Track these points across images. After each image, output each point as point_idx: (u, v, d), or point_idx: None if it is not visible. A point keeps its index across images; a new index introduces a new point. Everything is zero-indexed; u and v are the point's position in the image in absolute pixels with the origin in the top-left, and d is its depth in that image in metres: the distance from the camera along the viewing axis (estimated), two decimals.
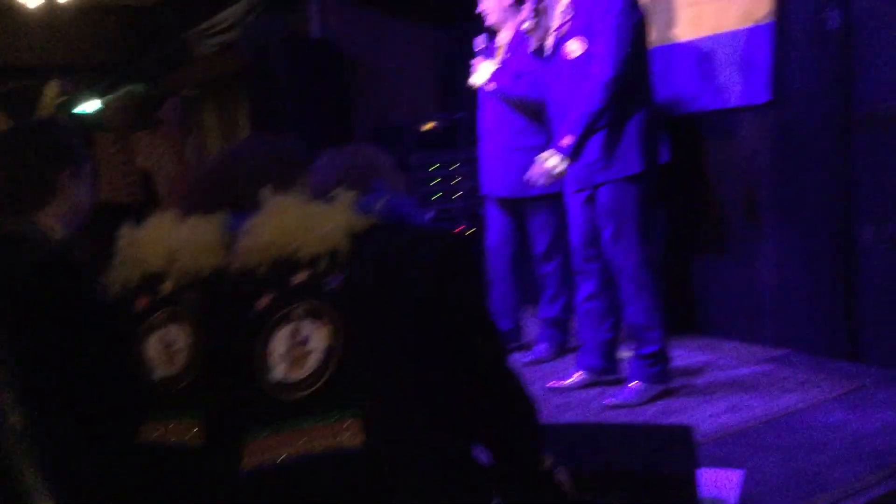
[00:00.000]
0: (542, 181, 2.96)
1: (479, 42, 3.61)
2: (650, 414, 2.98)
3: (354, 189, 1.40)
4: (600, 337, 3.25)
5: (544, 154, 2.96)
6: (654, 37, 3.94)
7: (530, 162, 3.30)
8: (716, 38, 3.73)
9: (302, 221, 1.33)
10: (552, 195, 3.52)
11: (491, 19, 3.62)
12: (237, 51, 5.76)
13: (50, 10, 8.10)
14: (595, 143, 2.96)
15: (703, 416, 2.90)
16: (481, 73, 3.59)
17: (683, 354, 3.67)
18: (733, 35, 3.64)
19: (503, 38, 3.64)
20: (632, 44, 2.88)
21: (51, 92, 7.50)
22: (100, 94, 9.44)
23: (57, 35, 8.80)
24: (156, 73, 8.32)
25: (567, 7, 3.02)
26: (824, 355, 3.46)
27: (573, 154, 2.92)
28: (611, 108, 2.89)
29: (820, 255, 3.45)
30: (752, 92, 3.58)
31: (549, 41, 3.11)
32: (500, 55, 3.61)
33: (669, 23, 3.93)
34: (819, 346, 3.51)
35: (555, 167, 2.92)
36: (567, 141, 2.91)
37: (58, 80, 5.39)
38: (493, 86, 3.59)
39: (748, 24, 3.58)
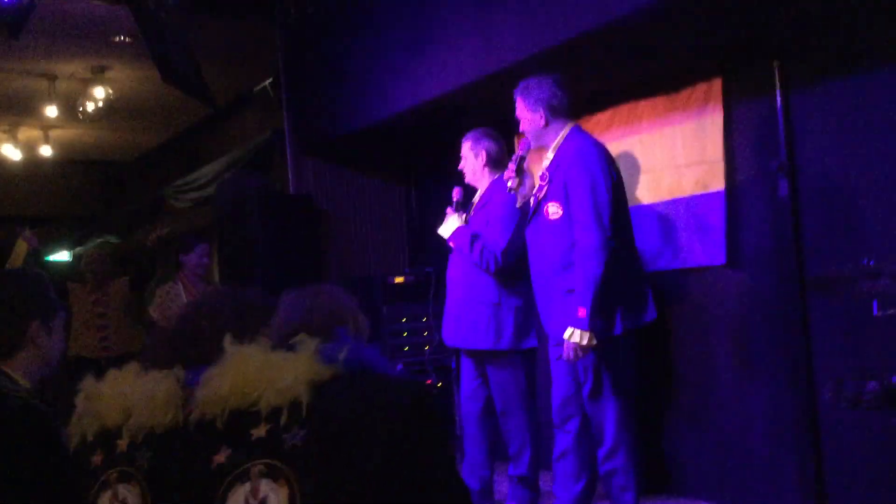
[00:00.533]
0: (573, 357, 2.95)
1: (456, 194, 3.71)
2: None
3: (318, 329, 1.39)
4: (574, 494, 3.17)
5: (567, 332, 2.96)
6: None
7: (481, 316, 3.33)
8: (673, 203, 3.90)
9: (262, 372, 1.30)
10: (500, 352, 3.55)
11: (467, 178, 3.76)
12: (213, 204, 5.88)
13: (32, 163, 8.31)
14: (573, 302, 2.98)
15: None
16: (448, 226, 3.68)
17: None
18: (690, 200, 3.81)
19: (478, 195, 3.76)
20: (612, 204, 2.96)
21: (22, 243, 7.53)
22: (74, 245, 9.52)
23: (38, 187, 8.97)
24: (130, 225, 8.43)
25: (545, 169, 3.14)
26: None
27: (591, 324, 2.91)
28: (608, 269, 2.91)
29: (785, 414, 3.46)
30: (709, 254, 3.71)
31: (531, 201, 3.21)
32: (470, 212, 3.73)
33: (629, 186, 4.11)
34: None
35: (579, 341, 2.91)
36: (582, 314, 2.91)
37: (29, 230, 5.40)
38: (451, 242, 3.67)
39: (703, 191, 3.76)
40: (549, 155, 3.14)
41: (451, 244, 3.69)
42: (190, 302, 1.66)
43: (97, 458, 1.42)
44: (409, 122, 4.74)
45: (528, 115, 3.17)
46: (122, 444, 1.40)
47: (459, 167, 3.78)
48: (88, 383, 1.52)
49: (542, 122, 3.13)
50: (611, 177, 3.02)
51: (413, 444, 1.27)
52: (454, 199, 3.72)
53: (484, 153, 3.68)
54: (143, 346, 1.62)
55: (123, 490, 1.37)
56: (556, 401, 3.19)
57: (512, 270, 3.49)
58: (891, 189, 3.15)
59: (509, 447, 3.72)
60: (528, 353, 3.62)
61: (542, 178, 3.15)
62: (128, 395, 1.43)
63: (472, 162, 3.72)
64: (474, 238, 3.56)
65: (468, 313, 3.61)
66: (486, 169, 3.70)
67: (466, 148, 3.73)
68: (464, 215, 3.70)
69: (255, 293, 1.67)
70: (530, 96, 3.17)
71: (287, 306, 1.58)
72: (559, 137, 3.11)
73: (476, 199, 3.77)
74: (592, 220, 2.92)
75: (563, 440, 3.18)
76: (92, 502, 1.39)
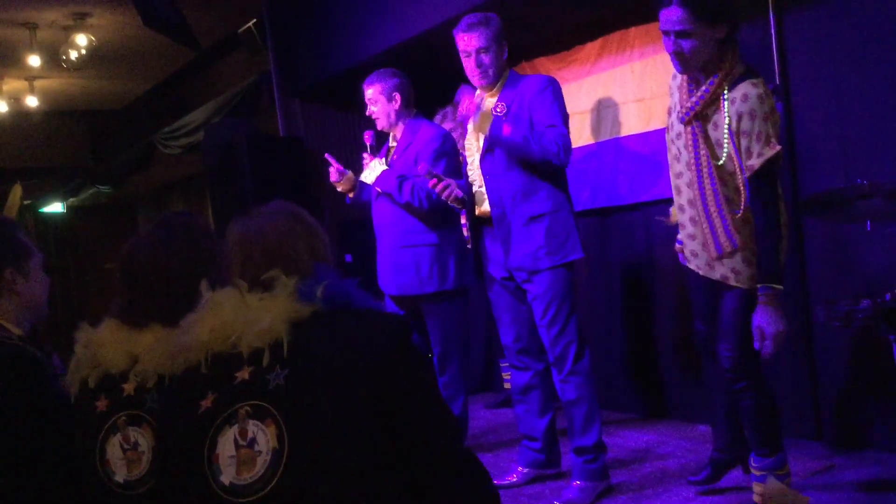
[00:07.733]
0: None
1: (368, 139, 3.53)
2: None
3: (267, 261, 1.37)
4: (540, 430, 3.19)
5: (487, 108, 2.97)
6: (603, 131, 4.08)
7: (423, 259, 3.29)
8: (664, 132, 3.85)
9: (240, 315, 1.30)
10: (445, 292, 3.41)
11: (381, 124, 3.54)
12: (202, 151, 5.82)
13: (18, 114, 8.20)
14: (539, 230, 2.97)
15: (677, 501, 2.87)
16: (371, 171, 3.50)
17: (654, 440, 3.66)
18: None
19: (395, 138, 3.57)
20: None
21: (16, 194, 7.46)
22: (67, 197, 9.45)
23: (25, 138, 8.86)
24: (122, 174, 8.36)
25: (498, 101, 3.04)
26: (791, 436, 3.45)
27: (500, 140, 2.92)
28: (548, 177, 2.96)
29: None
30: None
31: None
32: (391, 155, 3.54)
33: (616, 118, 4.07)
34: (786, 426, 3.51)
35: (484, 124, 2.92)
36: (505, 132, 2.89)
37: (23, 182, 5.36)
38: (377, 187, 3.48)
39: None
40: (497, 92, 3.06)
41: (377, 189, 3.47)
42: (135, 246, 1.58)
43: (102, 404, 1.43)
44: (398, 59, 4.65)
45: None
46: (129, 387, 1.42)
47: (368, 113, 3.55)
48: (85, 331, 1.52)
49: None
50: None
51: (395, 377, 1.27)
52: (368, 144, 3.51)
53: (398, 95, 3.49)
54: (119, 298, 1.59)
55: (134, 433, 1.39)
56: (508, 339, 3.16)
57: (445, 207, 3.33)
58: (883, 109, 3.12)
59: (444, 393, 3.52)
60: (466, 293, 3.52)
61: (496, 108, 3.03)
62: (131, 343, 1.44)
63: (386, 106, 3.49)
64: (402, 179, 3.38)
65: (406, 258, 3.43)
66: (400, 110, 3.50)
67: (376, 92, 3.49)
68: (382, 159, 3.50)
69: (197, 218, 1.63)
70: None
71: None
72: (502, 79, 3.06)
73: (393, 141, 3.56)
74: (562, 127, 2.92)
75: (521, 377, 3.17)
76: (100, 447, 1.41)
